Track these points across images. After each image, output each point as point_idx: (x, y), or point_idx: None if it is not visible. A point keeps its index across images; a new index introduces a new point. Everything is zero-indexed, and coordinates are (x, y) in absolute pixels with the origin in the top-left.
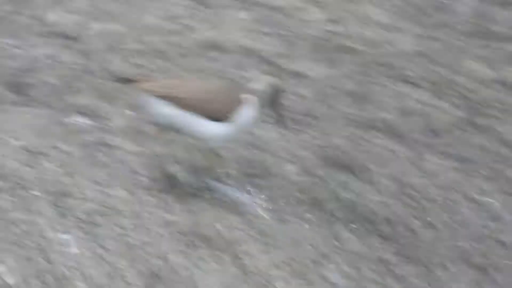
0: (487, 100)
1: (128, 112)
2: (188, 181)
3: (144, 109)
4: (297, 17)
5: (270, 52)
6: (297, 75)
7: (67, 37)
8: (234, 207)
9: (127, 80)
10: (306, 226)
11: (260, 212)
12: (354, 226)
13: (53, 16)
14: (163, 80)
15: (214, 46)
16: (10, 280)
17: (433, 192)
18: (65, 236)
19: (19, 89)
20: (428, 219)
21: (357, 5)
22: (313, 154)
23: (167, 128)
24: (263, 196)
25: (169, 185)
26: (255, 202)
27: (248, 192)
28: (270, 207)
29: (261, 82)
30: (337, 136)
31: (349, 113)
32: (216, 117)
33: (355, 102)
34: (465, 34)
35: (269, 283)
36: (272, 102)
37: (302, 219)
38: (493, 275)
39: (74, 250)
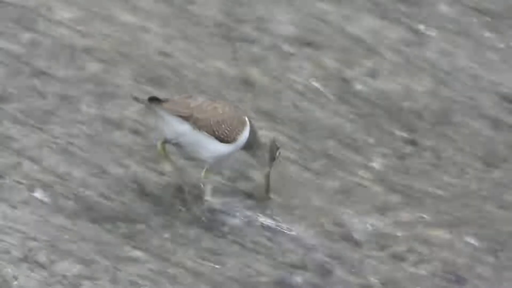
0: (231, 99)
1: None
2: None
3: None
4: (45, 17)
5: (16, 51)
6: (42, 73)
7: None
8: None
9: (154, 100)
10: None
11: None
12: None
13: None
14: (182, 100)
15: None
16: None
17: None
18: None
19: None
20: None
21: (102, 5)
22: None
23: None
24: None
25: None
26: None
27: None
28: None
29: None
30: None
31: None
32: (226, 140)
33: (97, 102)
34: (212, 34)
35: None
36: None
37: None
38: None
39: None
